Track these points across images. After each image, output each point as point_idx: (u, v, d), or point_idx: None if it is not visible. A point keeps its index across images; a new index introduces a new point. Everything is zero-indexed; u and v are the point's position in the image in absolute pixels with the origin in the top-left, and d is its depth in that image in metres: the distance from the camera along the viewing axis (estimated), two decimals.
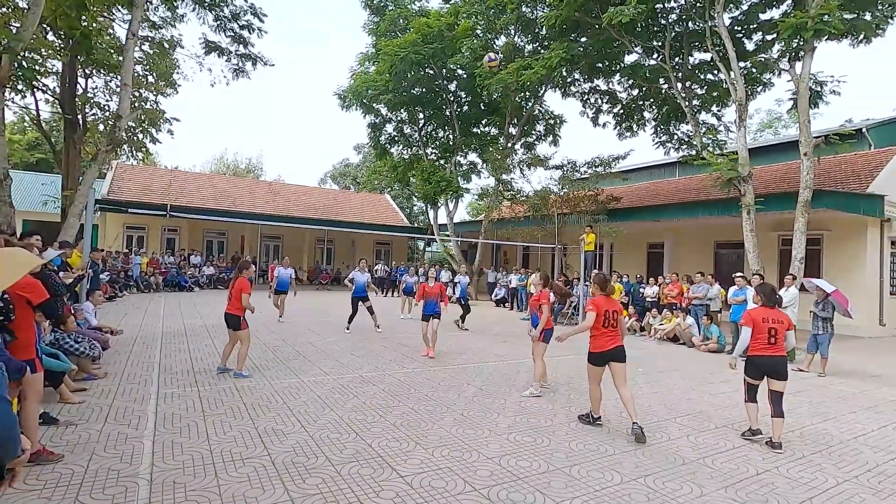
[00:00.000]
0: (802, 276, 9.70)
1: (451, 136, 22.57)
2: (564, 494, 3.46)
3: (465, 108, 22.03)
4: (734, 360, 5.11)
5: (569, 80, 17.51)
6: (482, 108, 21.51)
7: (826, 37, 9.88)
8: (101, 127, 15.70)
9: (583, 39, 14.97)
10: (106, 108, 16.28)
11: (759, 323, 4.78)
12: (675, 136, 16.67)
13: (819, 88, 12.07)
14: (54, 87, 15.00)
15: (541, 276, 6.67)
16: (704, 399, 6.31)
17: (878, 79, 59.56)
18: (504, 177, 20.19)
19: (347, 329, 10.21)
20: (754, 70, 13.37)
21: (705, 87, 14.67)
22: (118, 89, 12.66)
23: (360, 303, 10.35)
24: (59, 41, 13.07)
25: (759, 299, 5.05)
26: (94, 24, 13.06)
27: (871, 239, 13.73)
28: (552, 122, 21.49)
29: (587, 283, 13.66)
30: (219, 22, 14.41)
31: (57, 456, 3.61)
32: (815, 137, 10.71)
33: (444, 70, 20.00)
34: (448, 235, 22.31)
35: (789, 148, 17.26)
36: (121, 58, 11.97)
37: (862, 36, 10.39)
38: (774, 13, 12.50)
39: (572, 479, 3.71)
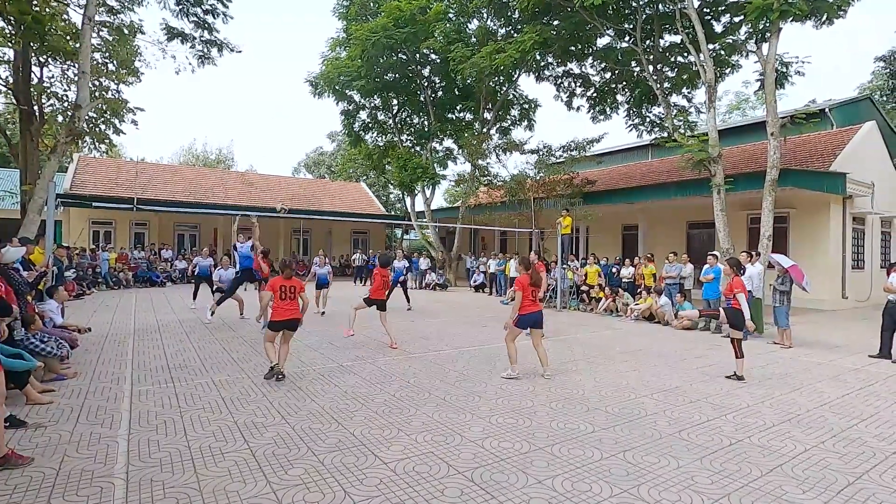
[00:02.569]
0: (770, 253, 10.00)
1: (425, 123, 22.35)
2: (546, 472, 3.52)
3: (440, 93, 21.80)
4: (752, 323, 6.23)
5: (542, 63, 17.46)
6: (456, 93, 21.32)
7: (791, 18, 10.07)
8: (60, 118, 15.02)
9: (555, 22, 14.91)
10: (64, 97, 15.52)
11: (745, 289, 6.24)
12: (648, 119, 16.87)
13: (785, 69, 12.34)
14: (7, 77, 14.24)
15: (520, 262, 6.38)
16: (678, 375, 6.48)
17: (841, 60, 61.35)
18: (480, 162, 20.15)
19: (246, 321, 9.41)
20: (723, 52, 13.58)
21: (676, 70, 14.84)
22: (76, 78, 12.09)
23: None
24: (10, 28, 12.38)
25: (732, 270, 6.27)
26: (47, 9, 12.40)
27: (834, 216, 14.23)
28: (527, 106, 21.47)
29: (564, 266, 13.85)
30: (181, 6, 13.83)
31: (26, 459, 3.49)
32: (781, 118, 10.97)
33: (417, 55, 19.72)
34: (426, 222, 22.24)
35: (757, 129, 17.72)
36: (77, 44, 11.42)
37: (825, 17, 10.62)
38: None
39: (554, 458, 3.77)
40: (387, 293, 8.45)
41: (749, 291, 8.80)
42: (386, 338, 8.00)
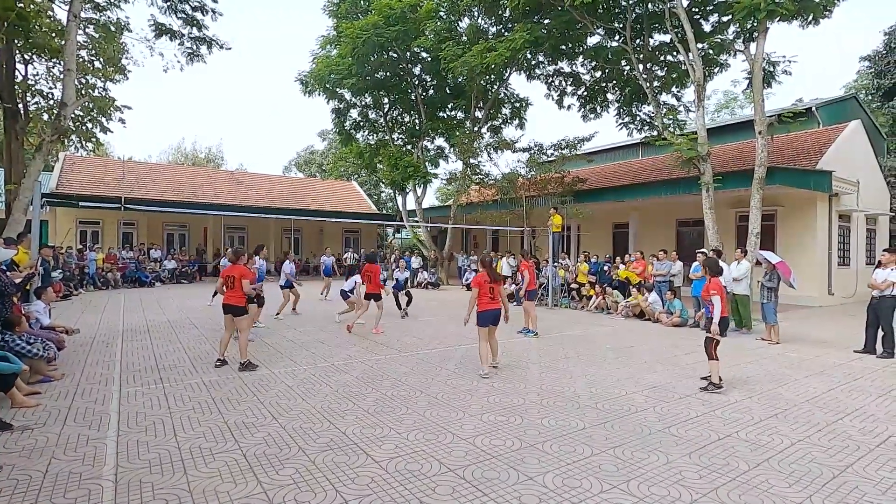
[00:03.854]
0: (758, 251, 10.11)
1: (417, 121, 22.30)
2: (538, 469, 3.55)
3: (431, 92, 21.74)
4: (717, 327, 5.62)
5: (533, 62, 17.50)
6: (448, 91, 21.29)
7: (778, 18, 10.18)
8: (46, 116, 14.78)
9: (546, 21, 14.95)
10: (49, 95, 15.26)
11: (723, 291, 5.70)
12: (638, 118, 16.97)
13: (772, 68, 12.49)
14: None
15: (480, 260, 6.63)
16: (668, 371, 6.55)
17: (827, 60, 62.15)
18: (472, 161, 20.17)
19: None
20: (711, 51, 13.69)
21: (665, 69, 14.94)
22: (61, 75, 11.90)
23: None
24: None
25: (706, 272, 5.90)
26: (32, 6, 12.18)
27: (820, 213, 14.41)
28: (518, 104, 21.47)
29: (556, 264, 13.91)
30: (168, 2, 13.67)
31: None
32: (768, 116, 11.10)
33: (409, 53, 19.65)
34: (417, 221, 22.21)
35: (745, 127, 17.88)
36: (63, 41, 11.24)
37: (811, 17, 10.74)
38: None
39: (545, 455, 3.80)
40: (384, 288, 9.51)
41: (724, 287, 8.93)
42: (378, 336, 8.05)
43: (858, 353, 7.82)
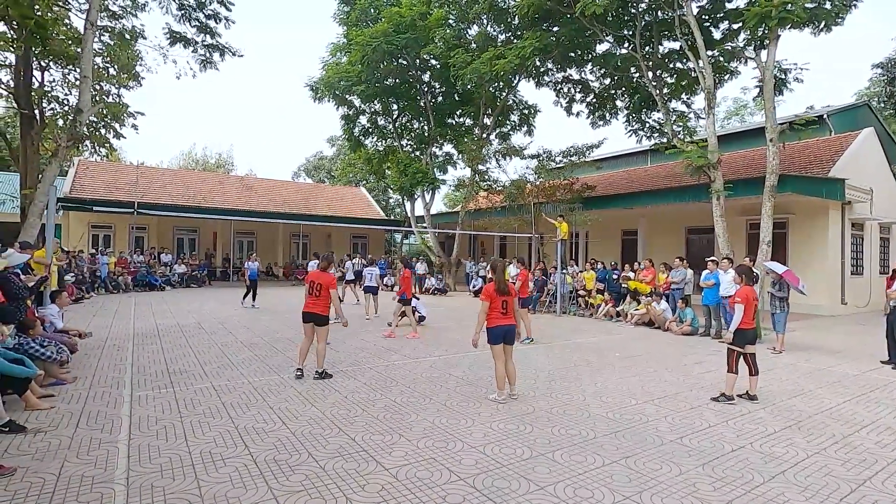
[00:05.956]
0: (769, 259, 10.00)
1: (425, 128, 22.40)
2: (548, 479, 3.51)
3: (440, 98, 21.86)
4: (731, 335, 5.53)
5: (542, 69, 17.53)
6: (456, 98, 21.39)
7: (789, 25, 10.13)
8: (61, 122, 15.02)
9: (555, 29, 14.98)
10: (65, 101, 15.53)
11: (751, 301, 5.50)
12: (647, 124, 16.89)
13: (783, 76, 12.39)
14: (7, 81, 14.25)
15: (490, 266, 5.94)
16: (679, 380, 6.47)
17: (838, 65, 61.70)
18: (480, 167, 20.19)
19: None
20: (721, 58, 13.62)
21: (675, 76, 14.88)
22: (77, 82, 12.12)
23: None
24: (11, 32, 12.41)
25: (741, 279, 5.67)
26: (49, 14, 12.43)
27: (832, 221, 14.24)
28: (526, 111, 21.53)
29: (564, 271, 13.85)
30: (183, 11, 13.89)
31: (8, 469, 3.41)
32: (779, 124, 11.00)
33: (418, 60, 19.78)
34: (425, 227, 22.24)
35: (755, 134, 17.76)
36: (79, 49, 11.44)
37: (823, 24, 10.67)
38: (740, 2, 12.76)
39: (555, 464, 3.76)
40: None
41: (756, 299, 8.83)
42: (387, 342, 8.07)
43: (885, 364, 7.59)
